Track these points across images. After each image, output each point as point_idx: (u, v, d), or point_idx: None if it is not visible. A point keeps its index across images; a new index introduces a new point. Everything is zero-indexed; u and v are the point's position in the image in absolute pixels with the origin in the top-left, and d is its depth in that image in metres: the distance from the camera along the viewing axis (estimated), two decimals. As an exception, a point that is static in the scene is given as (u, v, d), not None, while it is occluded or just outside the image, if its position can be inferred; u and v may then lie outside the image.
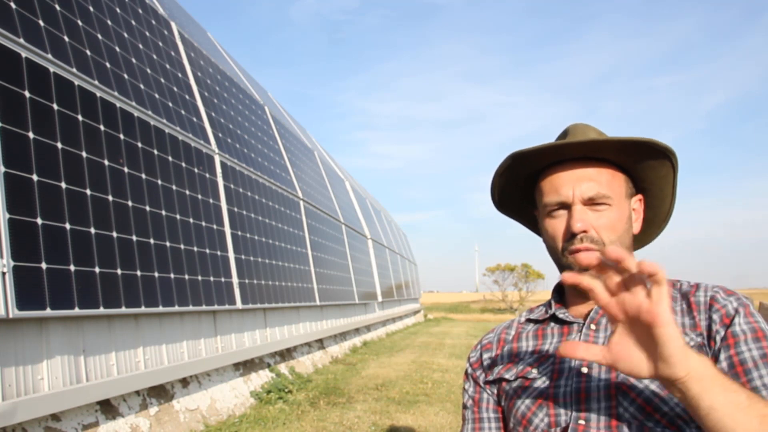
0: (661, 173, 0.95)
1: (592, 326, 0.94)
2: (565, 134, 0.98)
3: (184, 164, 3.77)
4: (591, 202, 0.91)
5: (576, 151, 0.93)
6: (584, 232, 0.90)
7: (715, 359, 0.81)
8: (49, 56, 2.63)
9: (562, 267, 0.96)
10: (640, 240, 1.08)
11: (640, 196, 1.00)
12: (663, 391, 0.81)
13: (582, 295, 0.98)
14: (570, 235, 0.92)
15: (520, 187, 1.05)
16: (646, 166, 0.94)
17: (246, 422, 3.67)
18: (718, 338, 0.82)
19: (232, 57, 7.39)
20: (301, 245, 6.06)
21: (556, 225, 0.94)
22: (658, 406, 0.81)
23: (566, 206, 0.93)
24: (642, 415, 0.81)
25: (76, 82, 2.80)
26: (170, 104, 3.84)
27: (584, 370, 0.89)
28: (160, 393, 3.29)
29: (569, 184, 0.92)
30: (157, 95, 3.68)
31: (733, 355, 0.79)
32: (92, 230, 2.66)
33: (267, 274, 4.83)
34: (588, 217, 0.91)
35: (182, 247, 3.50)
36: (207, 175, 4.10)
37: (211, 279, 3.78)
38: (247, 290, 4.31)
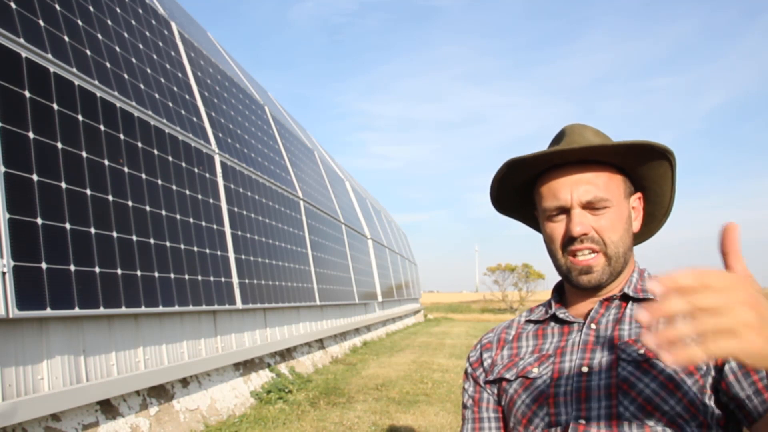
0: (659, 172, 0.95)
1: (593, 326, 0.94)
2: (561, 135, 0.98)
3: (184, 164, 3.77)
4: (590, 206, 0.92)
5: (572, 155, 0.93)
6: (584, 234, 0.91)
7: None
8: (49, 56, 2.63)
9: (561, 269, 0.96)
10: (641, 234, 1.08)
11: (639, 195, 1.00)
12: (663, 390, 0.81)
13: (582, 295, 0.99)
14: (569, 238, 0.92)
15: (519, 191, 1.06)
16: (645, 166, 0.94)
17: (246, 422, 3.67)
18: None
19: (233, 57, 7.39)
20: (301, 245, 6.06)
21: (556, 228, 0.95)
22: (658, 404, 0.81)
23: (565, 210, 0.93)
24: (642, 414, 0.81)
25: (76, 82, 2.80)
26: (170, 104, 3.84)
27: (585, 369, 0.89)
28: (160, 393, 3.28)
29: (567, 188, 0.92)
30: (157, 95, 3.68)
31: None
32: (92, 230, 2.66)
33: (267, 274, 4.83)
34: (587, 219, 0.91)
35: (182, 247, 3.50)
36: (207, 175, 4.10)
37: (211, 279, 3.78)
38: (247, 290, 4.31)
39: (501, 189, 1.05)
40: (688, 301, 0.49)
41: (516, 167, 0.98)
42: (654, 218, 1.05)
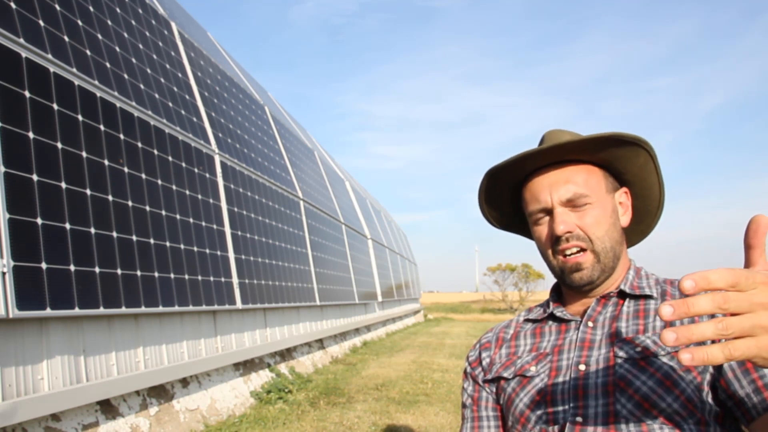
0: (638, 163, 0.95)
1: (590, 323, 0.95)
2: (541, 141, 0.99)
3: (184, 164, 3.77)
4: (571, 204, 0.93)
5: (548, 157, 0.94)
6: (568, 232, 0.92)
7: None
8: (49, 56, 2.63)
9: (555, 271, 0.98)
10: (639, 232, 1.08)
11: (625, 189, 1.00)
12: (660, 388, 0.82)
13: (580, 294, 0.99)
14: (555, 238, 0.94)
15: (512, 204, 1.07)
16: (620, 158, 0.95)
17: (246, 422, 3.67)
18: None
19: (233, 57, 7.39)
20: (301, 245, 6.06)
21: (542, 231, 0.96)
22: (655, 402, 0.81)
23: (548, 211, 0.95)
24: (639, 412, 0.81)
25: (76, 82, 2.81)
26: (170, 104, 3.85)
27: (582, 367, 0.89)
28: (160, 393, 3.29)
29: (546, 189, 0.94)
30: (157, 95, 3.69)
31: None
32: (92, 230, 2.66)
33: (267, 274, 4.83)
34: (570, 218, 0.92)
35: (182, 247, 3.50)
36: (207, 175, 4.10)
37: (211, 279, 3.79)
38: (247, 290, 4.31)
39: (491, 204, 1.07)
40: (715, 301, 0.49)
41: (497, 176, 0.99)
42: (648, 213, 1.05)
